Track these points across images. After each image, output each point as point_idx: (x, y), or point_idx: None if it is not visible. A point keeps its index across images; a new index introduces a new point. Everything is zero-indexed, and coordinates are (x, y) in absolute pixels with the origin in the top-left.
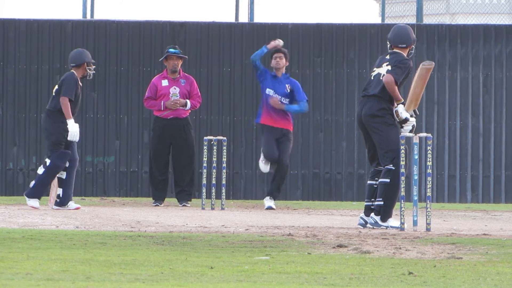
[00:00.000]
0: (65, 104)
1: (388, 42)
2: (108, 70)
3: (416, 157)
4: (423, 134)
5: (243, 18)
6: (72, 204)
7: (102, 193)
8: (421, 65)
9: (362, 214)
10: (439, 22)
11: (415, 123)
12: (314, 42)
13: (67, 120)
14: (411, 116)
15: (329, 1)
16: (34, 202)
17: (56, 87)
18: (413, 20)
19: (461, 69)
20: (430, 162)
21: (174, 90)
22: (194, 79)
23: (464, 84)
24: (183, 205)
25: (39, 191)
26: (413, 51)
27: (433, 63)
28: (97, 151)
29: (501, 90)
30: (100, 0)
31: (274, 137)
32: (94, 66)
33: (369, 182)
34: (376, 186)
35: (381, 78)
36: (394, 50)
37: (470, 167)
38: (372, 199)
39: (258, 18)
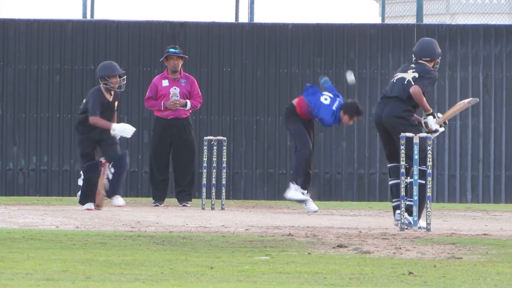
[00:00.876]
0: (95, 122)
1: (413, 55)
2: None
3: (416, 157)
4: (423, 134)
5: (243, 18)
6: (117, 201)
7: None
8: (470, 99)
9: (398, 215)
10: (439, 22)
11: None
12: (314, 42)
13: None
14: (440, 126)
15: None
16: (88, 205)
17: (84, 101)
18: (413, 20)
19: (461, 69)
20: (430, 162)
21: (175, 90)
22: (195, 79)
23: (464, 84)
24: (183, 205)
25: (87, 197)
26: (438, 65)
27: (478, 100)
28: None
29: (501, 90)
30: (100, 0)
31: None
32: (113, 79)
33: (394, 181)
34: (405, 185)
35: (405, 82)
36: (419, 61)
37: (470, 167)
38: (396, 199)
39: (258, 18)
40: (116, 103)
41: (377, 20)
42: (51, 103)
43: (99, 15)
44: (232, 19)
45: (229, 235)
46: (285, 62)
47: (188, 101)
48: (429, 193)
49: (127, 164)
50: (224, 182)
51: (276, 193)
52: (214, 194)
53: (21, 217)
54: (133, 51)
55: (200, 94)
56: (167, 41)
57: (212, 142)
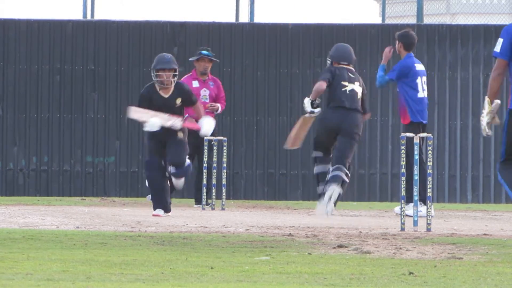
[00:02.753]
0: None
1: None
2: (108, 70)
3: (416, 157)
4: (423, 134)
5: (243, 18)
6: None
7: (103, 193)
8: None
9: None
10: (439, 22)
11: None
12: (314, 42)
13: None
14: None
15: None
16: (158, 211)
17: None
18: (413, 20)
19: (462, 69)
20: (431, 162)
21: (204, 92)
22: (220, 82)
23: (464, 84)
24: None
25: (155, 201)
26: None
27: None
28: (97, 151)
29: (501, 90)
30: (100, 0)
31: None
32: (163, 73)
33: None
34: None
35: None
36: None
37: (471, 167)
38: None
39: (258, 18)
40: (178, 100)
41: (377, 20)
42: (51, 103)
43: (99, 15)
44: (232, 19)
45: (229, 235)
46: (285, 62)
47: (219, 105)
48: (429, 193)
49: (183, 174)
50: (224, 182)
51: (276, 193)
52: (214, 194)
53: (21, 217)
54: (133, 51)
55: (225, 97)
56: (167, 41)
57: (212, 142)
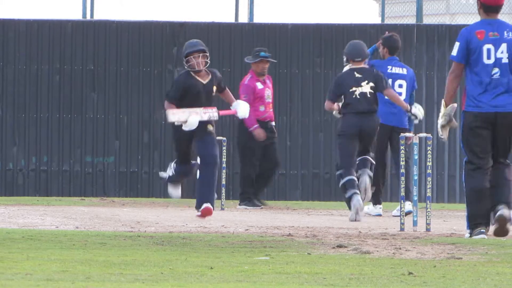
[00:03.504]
0: (166, 108)
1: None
2: (108, 70)
3: (416, 157)
4: (423, 134)
5: (243, 18)
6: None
7: (102, 193)
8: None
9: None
10: (439, 22)
11: None
12: (314, 42)
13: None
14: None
15: (329, 1)
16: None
17: None
18: (413, 20)
19: None
20: (430, 162)
21: (267, 92)
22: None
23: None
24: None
25: (199, 201)
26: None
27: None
28: (97, 151)
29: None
30: (100, 0)
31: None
32: (195, 55)
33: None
34: None
35: None
36: None
37: None
38: None
39: (258, 18)
40: (214, 88)
41: (377, 20)
42: (51, 103)
43: (99, 15)
44: (231, 19)
45: (228, 235)
46: (285, 62)
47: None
48: (429, 193)
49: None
50: (224, 182)
51: (276, 193)
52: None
53: (20, 217)
54: (133, 51)
55: None
56: (167, 41)
57: None
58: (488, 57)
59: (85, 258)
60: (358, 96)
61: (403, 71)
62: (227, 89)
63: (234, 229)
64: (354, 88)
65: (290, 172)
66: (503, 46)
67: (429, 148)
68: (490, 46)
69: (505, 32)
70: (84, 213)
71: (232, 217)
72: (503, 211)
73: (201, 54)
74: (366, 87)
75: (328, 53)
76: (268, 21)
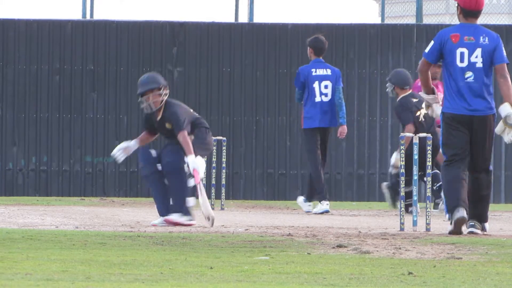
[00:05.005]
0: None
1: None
2: (108, 70)
3: (416, 157)
4: (423, 134)
5: (243, 18)
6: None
7: (102, 193)
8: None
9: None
10: (439, 22)
11: None
12: None
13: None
14: None
15: (329, 1)
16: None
17: None
18: (412, 20)
19: None
20: (430, 162)
21: None
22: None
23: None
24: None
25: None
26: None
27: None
28: (96, 151)
29: None
30: (100, 0)
31: None
32: (147, 96)
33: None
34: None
35: None
36: None
37: None
38: None
39: (258, 18)
40: (167, 125)
41: (377, 20)
42: (51, 103)
43: (98, 15)
44: (231, 19)
45: (228, 235)
46: (285, 62)
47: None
48: (429, 193)
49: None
50: (223, 182)
51: (276, 193)
52: (213, 194)
53: (20, 217)
54: (133, 51)
55: None
56: (167, 41)
57: None
58: (461, 60)
59: (85, 258)
60: (423, 118)
61: (327, 71)
62: (180, 134)
63: (234, 229)
64: (418, 112)
65: (290, 172)
66: (478, 51)
67: (429, 148)
68: (463, 49)
69: (481, 37)
70: (84, 213)
71: (231, 217)
72: (473, 223)
73: (150, 95)
74: (425, 108)
75: (328, 53)
76: (268, 21)
